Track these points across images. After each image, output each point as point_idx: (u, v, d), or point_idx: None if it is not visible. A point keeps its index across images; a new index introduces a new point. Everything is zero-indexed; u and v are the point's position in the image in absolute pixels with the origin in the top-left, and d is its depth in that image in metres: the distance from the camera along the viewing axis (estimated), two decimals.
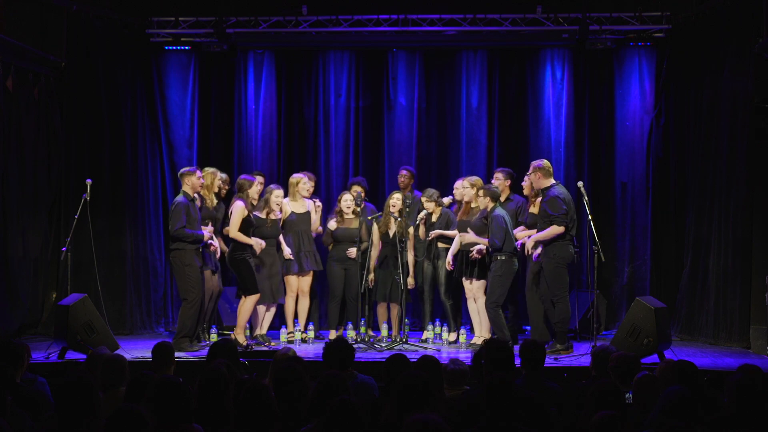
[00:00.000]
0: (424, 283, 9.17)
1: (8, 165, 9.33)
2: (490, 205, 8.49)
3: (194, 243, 8.37)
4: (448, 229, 8.89)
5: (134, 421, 3.48)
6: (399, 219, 8.89)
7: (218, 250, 8.78)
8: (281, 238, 8.99)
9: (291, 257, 8.97)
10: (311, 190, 9.44)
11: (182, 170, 8.70)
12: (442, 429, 3.46)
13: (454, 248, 8.72)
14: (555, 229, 8.17)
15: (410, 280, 8.99)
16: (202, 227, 8.52)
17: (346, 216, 9.14)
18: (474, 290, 8.66)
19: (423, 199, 9.03)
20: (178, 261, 8.42)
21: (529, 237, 8.43)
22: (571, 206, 8.30)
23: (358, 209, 9.04)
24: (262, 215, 8.76)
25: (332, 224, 9.20)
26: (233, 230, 8.49)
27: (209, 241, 8.52)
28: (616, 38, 10.11)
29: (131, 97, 10.34)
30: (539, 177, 8.37)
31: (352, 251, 9.02)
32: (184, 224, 8.29)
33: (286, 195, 9.13)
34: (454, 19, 10.10)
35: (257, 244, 8.58)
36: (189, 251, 8.37)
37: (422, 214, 9.03)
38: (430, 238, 8.93)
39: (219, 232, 8.91)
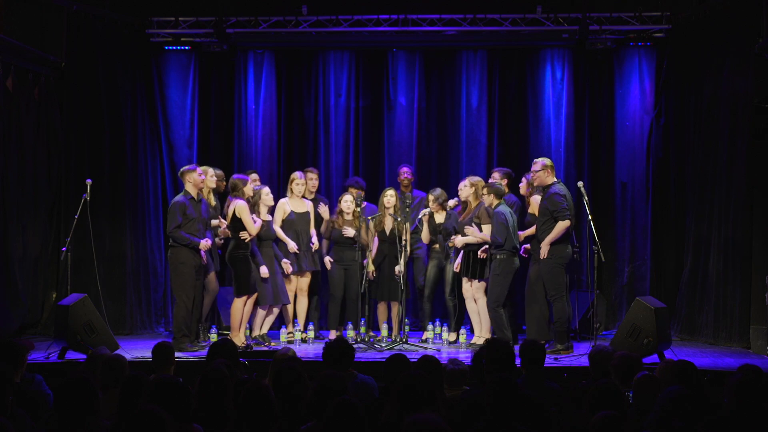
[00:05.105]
0: (426, 283, 9.18)
1: (8, 165, 9.33)
2: (495, 202, 8.50)
3: (188, 246, 8.38)
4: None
5: (155, 423, 3.46)
6: (399, 219, 8.89)
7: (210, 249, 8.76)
8: (282, 235, 8.98)
9: (296, 250, 8.95)
10: (314, 188, 9.44)
11: (182, 169, 8.73)
12: (442, 429, 3.45)
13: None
14: (561, 225, 8.18)
15: (397, 268, 8.94)
16: (216, 235, 8.52)
17: (346, 217, 9.14)
18: (474, 290, 8.66)
19: (429, 198, 9.04)
20: (175, 259, 8.45)
21: (532, 242, 8.50)
22: (570, 204, 8.31)
23: (358, 210, 9.03)
24: (256, 216, 8.75)
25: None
26: (254, 230, 8.44)
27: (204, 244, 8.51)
28: (616, 38, 10.12)
29: (131, 97, 10.34)
30: (548, 174, 8.38)
31: (349, 230, 9.04)
32: (178, 224, 8.32)
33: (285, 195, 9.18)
34: (454, 19, 10.10)
35: (258, 228, 8.55)
36: (185, 249, 8.38)
37: (425, 211, 9.03)
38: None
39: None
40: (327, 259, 9.21)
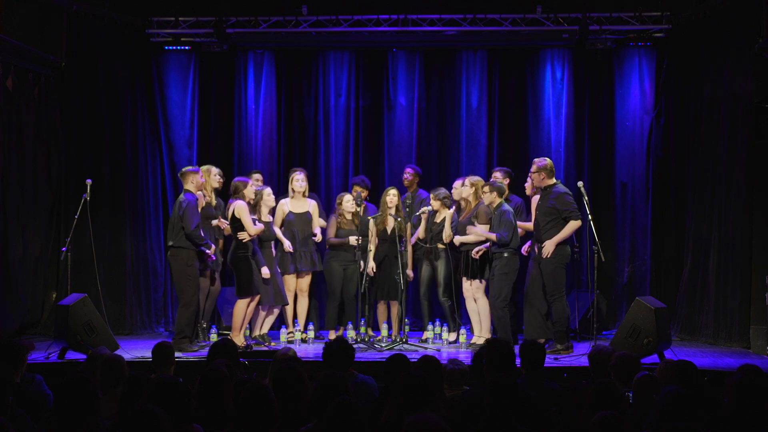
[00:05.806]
0: (421, 281, 9.18)
1: (8, 165, 9.34)
2: (497, 200, 8.48)
3: (199, 249, 8.39)
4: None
5: (153, 422, 3.46)
6: (399, 219, 8.89)
7: (214, 254, 8.72)
8: (280, 234, 8.99)
9: (290, 250, 8.96)
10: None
11: (183, 169, 8.69)
12: (442, 429, 3.46)
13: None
14: (573, 225, 8.18)
15: (409, 272, 8.99)
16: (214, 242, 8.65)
17: (347, 217, 9.14)
18: (473, 290, 8.65)
19: (431, 196, 9.03)
20: (180, 260, 8.40)
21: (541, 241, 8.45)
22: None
23: (358, 209, 9.04)
24: (257, 217, 8.74)
25: (331, 237, 9.21)
26: (252, 230, 8.43)
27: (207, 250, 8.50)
28: (616, 38, 10.12)
29: (131, 97, 10.34)
30: (543, 177, 8.37)
31: (352, 239, 9.03)
32: (198, 222, 8.30)
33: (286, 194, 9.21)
34: (454, 19, 10.10)
35: (257, 229, 8.50)
36: (191, 251, 8.37)
37: (425, 208, 9.02)
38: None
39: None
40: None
